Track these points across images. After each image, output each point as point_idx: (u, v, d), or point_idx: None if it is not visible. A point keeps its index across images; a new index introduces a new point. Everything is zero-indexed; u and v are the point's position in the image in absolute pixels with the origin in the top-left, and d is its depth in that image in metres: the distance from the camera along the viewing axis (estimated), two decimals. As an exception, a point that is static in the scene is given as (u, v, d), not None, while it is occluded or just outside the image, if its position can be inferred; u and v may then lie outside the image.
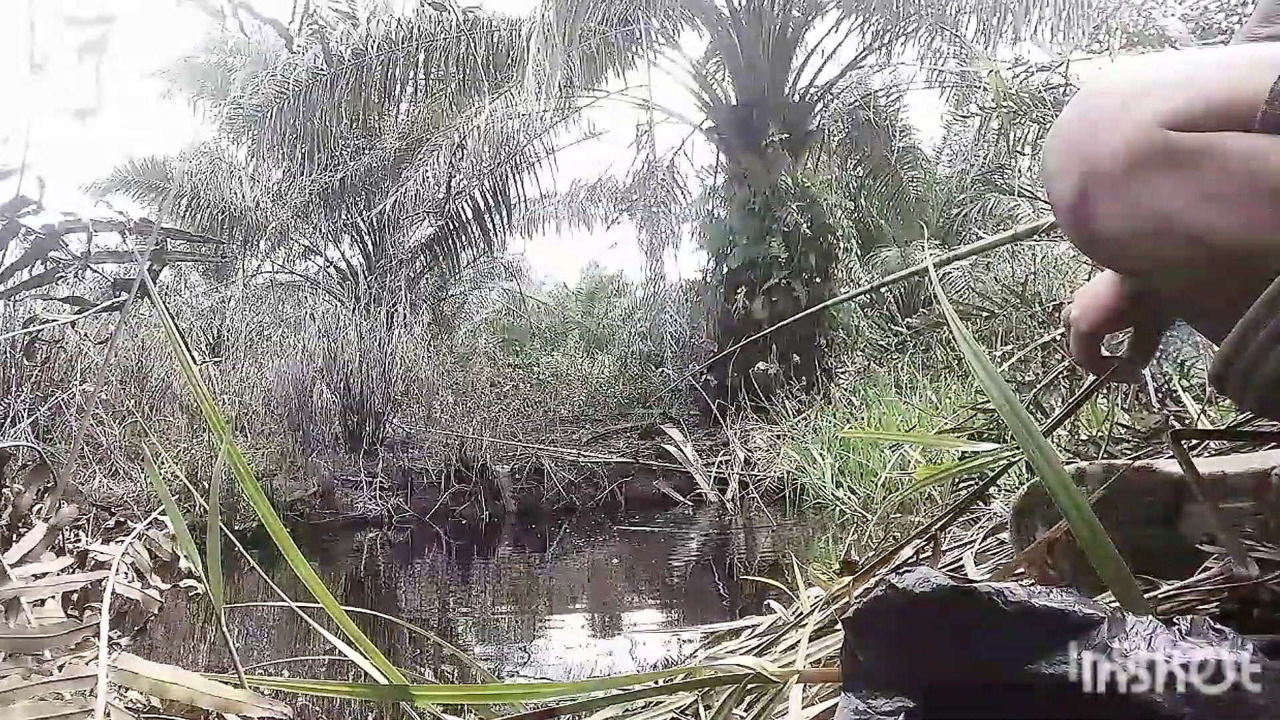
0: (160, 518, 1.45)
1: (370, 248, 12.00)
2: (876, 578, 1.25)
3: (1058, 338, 2.23)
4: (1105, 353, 0.94)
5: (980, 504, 1.58)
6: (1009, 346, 2.40)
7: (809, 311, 7.70)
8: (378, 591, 4.82)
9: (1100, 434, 1.90)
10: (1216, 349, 0.63)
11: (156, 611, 1.35)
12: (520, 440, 7.94)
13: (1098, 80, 0.67)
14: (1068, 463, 1.13)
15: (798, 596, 1.46)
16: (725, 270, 9.24)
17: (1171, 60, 0.69)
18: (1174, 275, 0.65)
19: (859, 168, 11.36)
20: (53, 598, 1.17)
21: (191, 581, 1.50)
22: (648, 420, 8.80)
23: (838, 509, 5.58)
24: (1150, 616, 0.58)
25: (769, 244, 8.78)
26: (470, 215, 10.74)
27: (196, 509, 4.37)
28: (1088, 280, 0.99)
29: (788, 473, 6.86)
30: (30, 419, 5.37)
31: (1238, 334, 0.60)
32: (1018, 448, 1.30)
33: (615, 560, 5.88)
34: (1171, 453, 0.86)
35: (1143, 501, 0.94)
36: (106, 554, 1.34)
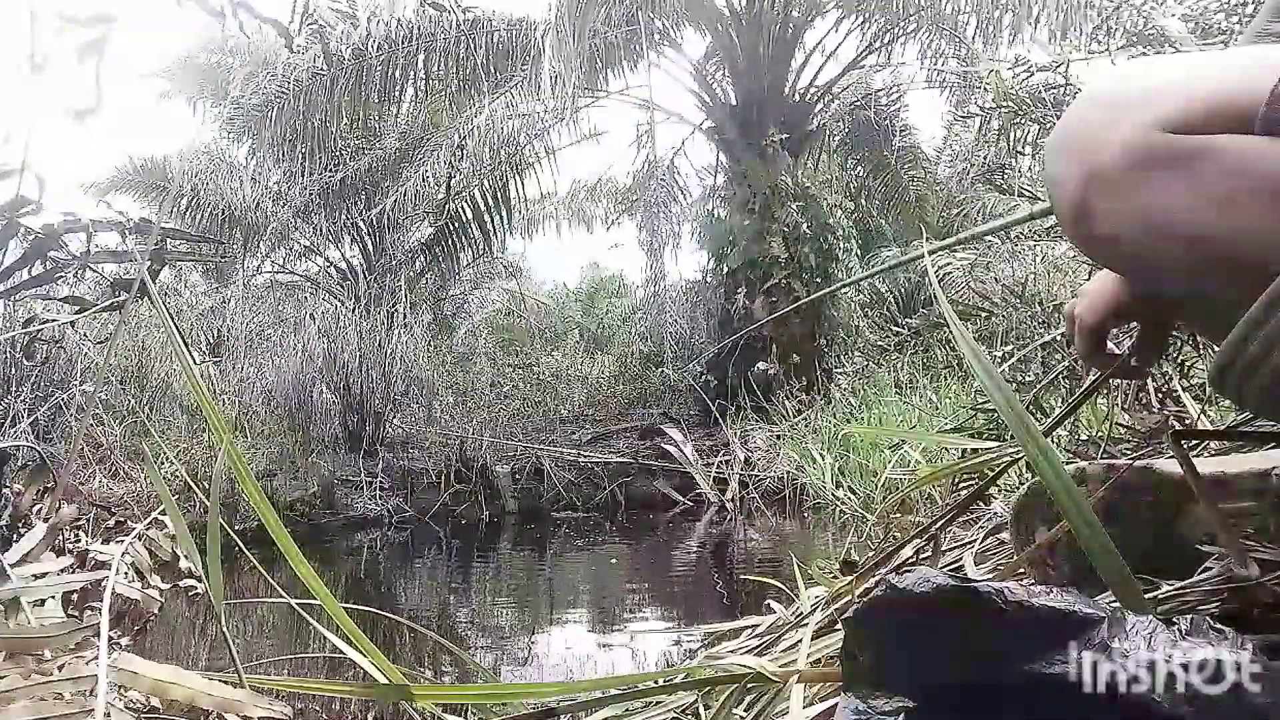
0: (160, 518, 1.45)
1: (370, 248, 12.00)
2: (876, 578, 1.25)
3: (1058, 337, 2.23)
4: (1111, 349, 0.94)
5: (980, 504, 1.58)
6: (1009, 346, 2.40)
7: (799, 304, 7.69)
8: (378, 591, 4.82)
9: (1100, 434, 1.90)
10: (1216, 349, 0.63)
11: (156, 611, 1.35)
12: (520, 440, 7.94)
13: (1098, 83, 0.67)
14: (1068, 463, 1.13)
15: (798, 596, 1.46)
16: (725, 270, 9.24)
17: (1172, 63, 0.69)
18: (1174, 277, 0.65)
19: (859, 168, 11.35)
20: (53, 598, 1.17)
21: (191, 581, 1.50)
22: (648, 420, 8.79)
23: (838, 509, 5.58)
24: (1150, 616, 0.58)
25: (769, 244, 8.78)
26: (470, 215, 10.74)
27: (196, 509, 4.37)
28: (1088, 279, 0.99)
29: (787, 473, 6.86)
30: (30, 419, 5.36)
31: (1238, 334, 0.60)
32: (1018, 447, 1.30)
33: (614, 560, 5.88)
34: (1171, 453, 0.86)
35: (1143, 501, 0.94)
36: (106, 554, 1.34)
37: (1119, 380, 1.46)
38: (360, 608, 1.27)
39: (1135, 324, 0.95)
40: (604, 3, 8.39)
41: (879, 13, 9.25)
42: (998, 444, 1.53)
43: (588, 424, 9.02)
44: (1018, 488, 1.37)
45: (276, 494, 6.23)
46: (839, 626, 1.05)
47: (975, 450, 1.59)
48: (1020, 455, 1.30)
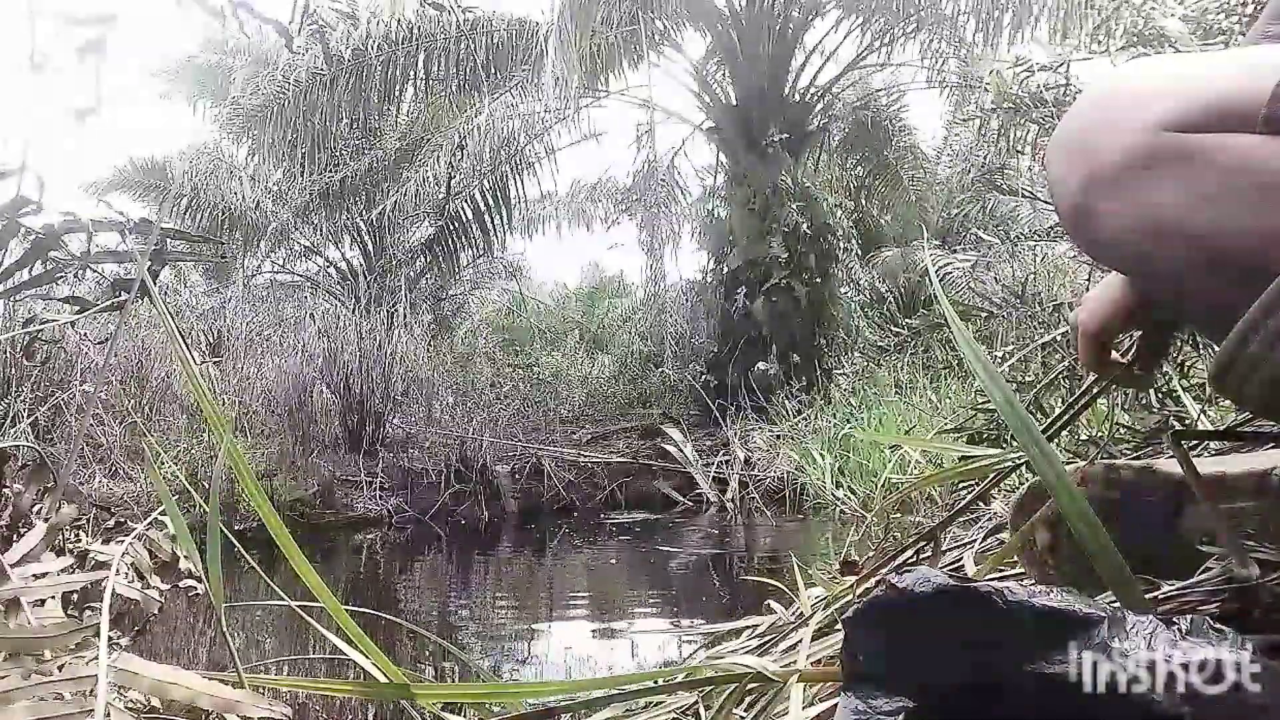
0: (160, 518, 1.45)
1: (370, 248, 12.01)
2: (877, 578, 1.25)
3: (1058, 338, 2.23)
4: (1114, 356, 0.94)
5: (980, 504, 1.58)
6: (1009, 346, 2.40)
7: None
8: (378, 591, 4.81)
9: (1100, 434, 1.90)
10: (1217, 349, 0.63)
11: (156, 611, 1.35)
12: (520, 440, 7.93)
13: (1100, 84, 0.67)
14: (1068, 463, 1.13)
15: (798, 597, 1.46)
16: (725, 270, 9.24)
17: (1173, 63, 0.69)
18: (1175, 276, 0.65)
19: (859, 168, 11.36)
20: (53, 598, 1.17)
21: (191, 581, 1.50)
22: (648, 420, 8.80)
23: (838, 509, 5.58)
24: (1150, 616, 0.58)
25: (769, 244, 8.78)
26: (470, 215, 10.74)
27: (196, 509, 4.37)
28: (1088, 280, 0.99)
29: (787, 473, 6.86)
30: (30, 419, 5.36)
31: (1238, 334, 0.60)
32: (1018, 452, 1.30)
33: (614, 560, 5.88)
34: (1171, 453, 0.86)
35: (1143, 501, 0.94)
36: (106, 554, 1.34)
37: (1125, 387, 1.46)
38: (360, 610, 1.27)
39: (1138, 331, 0.95)
40: (605, 3, 8.39)
41: (879, 13, 9.25)
42: (998, 447, 1.53)
43: (588, 424, 9.01)
44: (1017, 488, 1.37)
45: (276, 494, 6.22)
46: (839, 627, 1.05)
47: (976, 455, 1.59)
48: (1021, 459, 1.30)
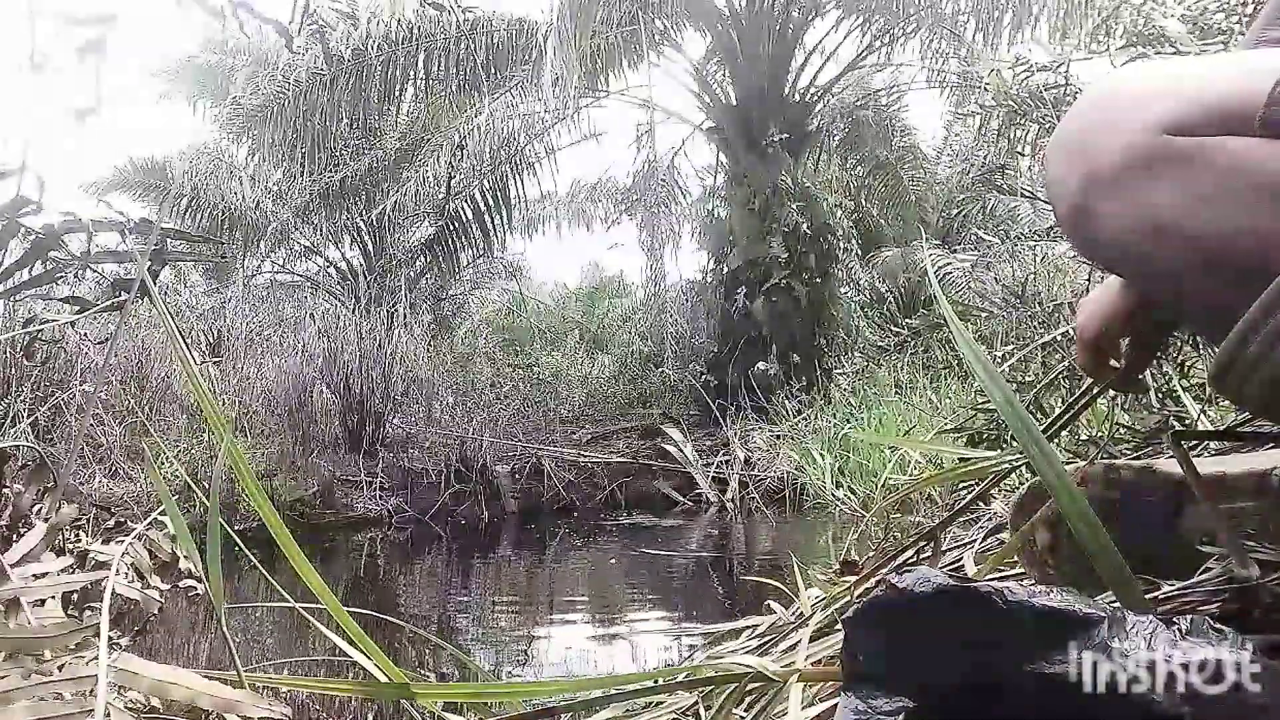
0: (160, 518, 1.45)
1: (370, 248, 12.01)
2: (877, 578, 1.25)
3: (1058, 338, 2.23)
4: (1113, 360, 0.94)
5: (980, 504, 1.58)
6: (1009, 347, 2.40)
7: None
8: (378, 591, 4.82)
9: (1100, 434, 1.90)
10: (1217, 349, 0.63)
11: (156, 611, 1.35)
12: (520, 440, 7.93)
13: (1100, 85, 0.68)
14: (1067, 463, 1.13)
15: (797, 597, 1.46)
16: (725, 270, 9.25)
17: (1173, 65, 0.70)
18: (1174, 277, 0.65)
19: (859, 168, 11.36)
20: (53, 598, 1.17)
21: (191, 581, 1.50)
22: (648, 420, 8.80)
23: (838, 509, 5.58)
24: (1150, 616, 0.58)
25: (769, 244, 8.78)
26: (470, 215, 10.74)
27: (197, 509, 4.37)
28: (1088, 280, 0.99)
29: (787, 473, 6.86)
30: (30, 419, 5.36)
31: (1237, 335, 0.60)
32: (1018, 453, 1.30)
33: (614, 560, 5.88)
34: (1171, 453, 0.86)
35: (1143, 501, 0.94)
36: (106, 554, 1.34)
37: (1119, 390, 1.46)
38: (361, 611, 1.27)
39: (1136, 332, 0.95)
40: (605, 3, 8.40)
41: (879, 13, 9.25)
42: (998, 448, 1.53)
43: (588, 424, 9.01)
44: (1017, 488, 1.37)
45: (276, 494, 6.22)
46: (839, 627, 1.05)
47: (976, 456, 1.59)
48: (1021, 459, 1.31)
